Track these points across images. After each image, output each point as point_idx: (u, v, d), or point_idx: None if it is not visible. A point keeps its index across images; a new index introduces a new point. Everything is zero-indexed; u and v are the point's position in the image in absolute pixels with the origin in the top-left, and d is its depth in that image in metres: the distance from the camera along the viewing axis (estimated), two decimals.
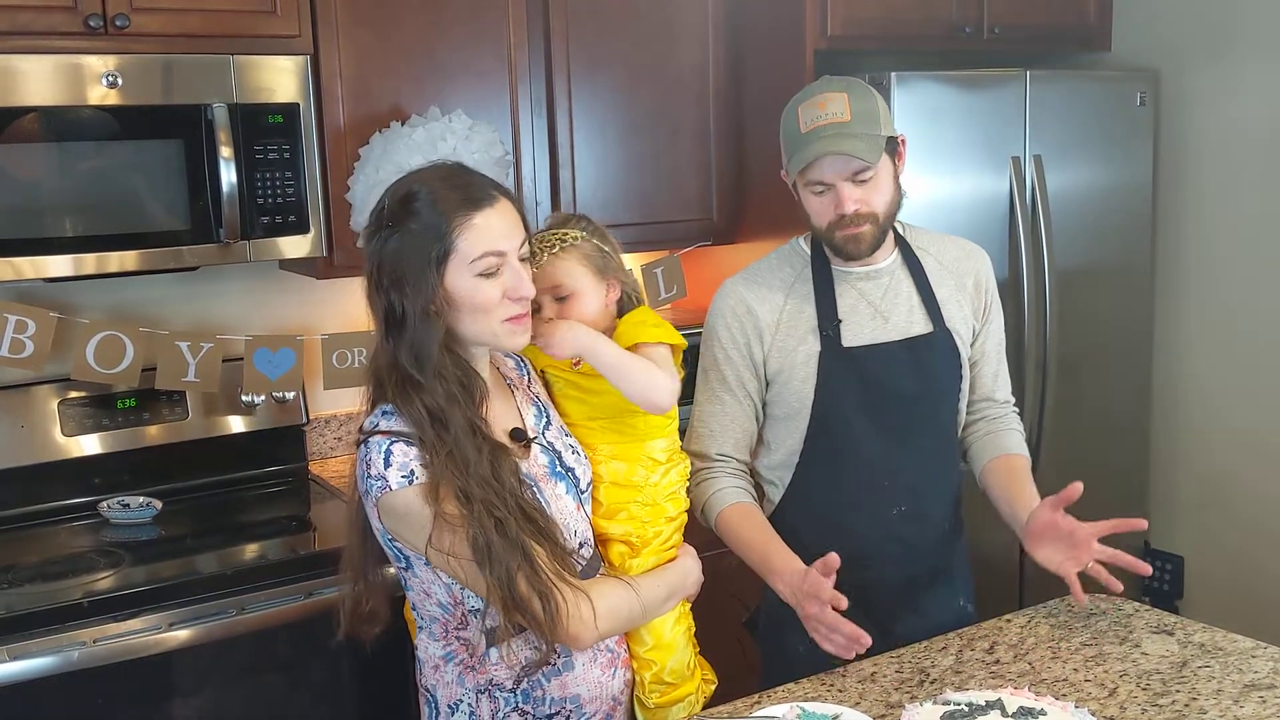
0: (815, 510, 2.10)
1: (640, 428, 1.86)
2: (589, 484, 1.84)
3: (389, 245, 1.65)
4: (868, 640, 1.83)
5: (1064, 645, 1.91)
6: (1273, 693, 1.73)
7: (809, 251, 2.12)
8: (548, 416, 1.83)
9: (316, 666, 2.46)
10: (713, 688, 1.97)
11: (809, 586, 1.87)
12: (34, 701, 2.20)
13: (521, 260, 1.70)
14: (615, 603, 1.73)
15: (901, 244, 2.14)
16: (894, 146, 2.02)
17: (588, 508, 1.83)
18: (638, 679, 1.88)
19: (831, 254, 2.08)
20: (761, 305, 2.09)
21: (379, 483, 1.63)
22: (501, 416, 1.76)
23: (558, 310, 1.83)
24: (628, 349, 1.82)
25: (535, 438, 1.78)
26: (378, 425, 1.66)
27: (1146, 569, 1.95)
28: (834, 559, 1.84)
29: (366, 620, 1.79)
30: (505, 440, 1.73)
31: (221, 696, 2.40)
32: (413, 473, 1.63)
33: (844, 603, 1.83)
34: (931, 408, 2.13)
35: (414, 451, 1.63)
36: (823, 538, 2.04)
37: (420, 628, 1.79)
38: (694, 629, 1.95)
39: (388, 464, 1.62)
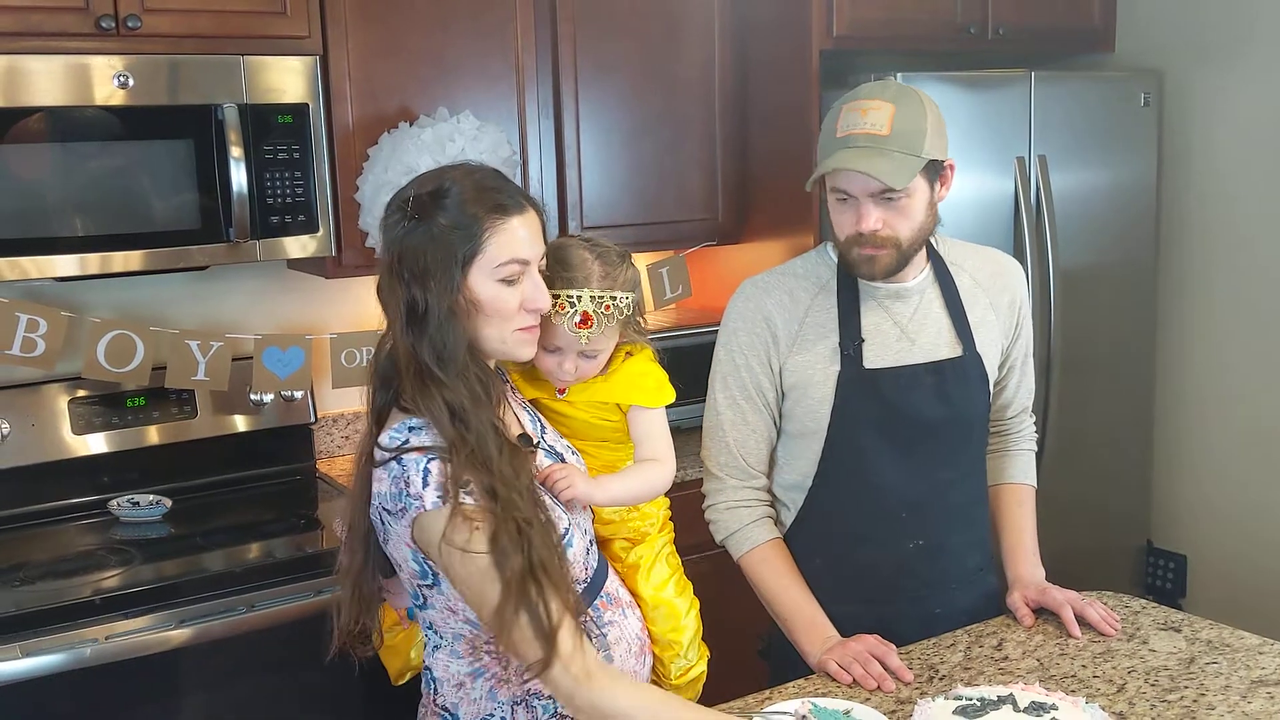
0: (827, 539, 2.01)
1: (617, 450, 1.88)
2: None
3: (413, 236, 1.61)
4: (908, 676, 1.81)
5: (1072, 642, 1.92)
6: None
7: (837, 262, 2.00)
8: (541, 422, 1.83)
9: (326, 664, 2.47)
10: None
11: (872, 648, 1.83)
12: (46, 698, 2.21)
13: (541, 272, 1.68)
14: (622, 704, 1.57)
15: (935, 259, 2.02)
16: (936, 170, 1.90)
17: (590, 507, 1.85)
18: (658, 661, 1.91)
19: (849, 269, 1.97)
20: (780, 314, 1.98)
21: (417, 502, 1.57)
22: (506, 423, 1.73)
23: (579, 365, 1.80)
24: (626, 405, 1.84)
25: (538, 442, 1.77)
26: (409, 440, 1.59)
27: (1076, 633, 1.94)
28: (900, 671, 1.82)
29: (359, 639, 1.74)
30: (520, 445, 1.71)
31: (231, 693, 2.41)
32: (448, 491, 1.58)
33: (908, 676, 1.81)
34: (957, 436, 2.02)
35: (450, 469, 1.58)
36: (834, 569, 2.00)
37: (437, 646, 1.73)
38: (698, 604, 1.97)
39: (426, 483, 1.56)
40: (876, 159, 1.83)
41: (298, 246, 2.68)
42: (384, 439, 1.62)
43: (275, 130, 2.62)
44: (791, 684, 1.83)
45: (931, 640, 1.96)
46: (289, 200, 2.65)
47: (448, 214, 1.61)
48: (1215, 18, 3.56)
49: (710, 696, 1.96)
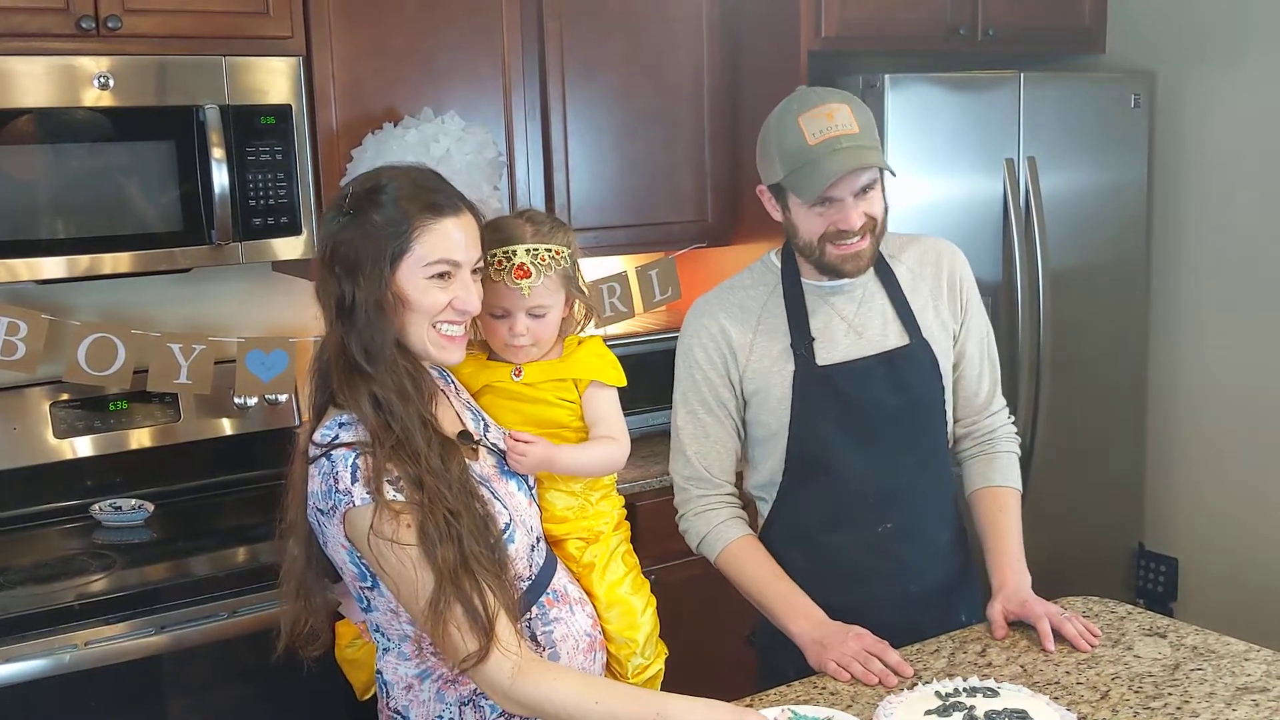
0: (801, 529, 2.06)
1: (571, 439, 1.90)
2: (535, 480, 1.86)
3: (346, 231, 1.64)
4: (908, 670, 1.83)
5: (1056, 647, 1.91)
6: (1265, 696, 1.73)
7: (780, 266, 2.08)
8: (485, 420, 1.84)
9: (309, 670, 2.45)
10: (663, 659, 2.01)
11: (870, 646, 1.86)
12: (25, 704, 2.20)
13: (474, 273, 1.69)
14: (558, 693, 1.57)
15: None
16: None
17: (535, 504, 1.85)
18: (613, 661, 1.91)
19: (817, 270, 2.01)
20: (735, 326, 2.04)
21: (345, 497, 1.59)
22: (445, 420, 1.74)
23: (530, 326, 1.83)
24: (584, 382, 1.88)
25: (480, 440, 1.77)
26: (338, 437, 1.61)
27: (1049, 646, 1.91)
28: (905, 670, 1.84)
29: (306, 640, 1.75)
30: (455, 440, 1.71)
31: (213, 700, 2.40)
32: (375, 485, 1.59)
33: (908, 671, 1.83)
34: (915, 421, 2.07)
35: (374, 462, 1.59)
36: (810, 556, 2.04)
37: (385, 649, 1.74)
38: (654, 602, 1.98)
39: (354, 479, 1.58)
40: (868, 155, 1.90)
41: (281, 249, 2.67)
42: (316, 435, 1.64)
43: (258, 131, 2.60)
44: (773, 690, 1.81)
45: (915, 646, 1.95)
46: (272, 202, 2.63)
47: (381, 210, 1.63)
48: (1206, 19, 3.55)
49: (700, 688, 1.96)
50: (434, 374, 1.80)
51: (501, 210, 2.75)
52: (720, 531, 2.05)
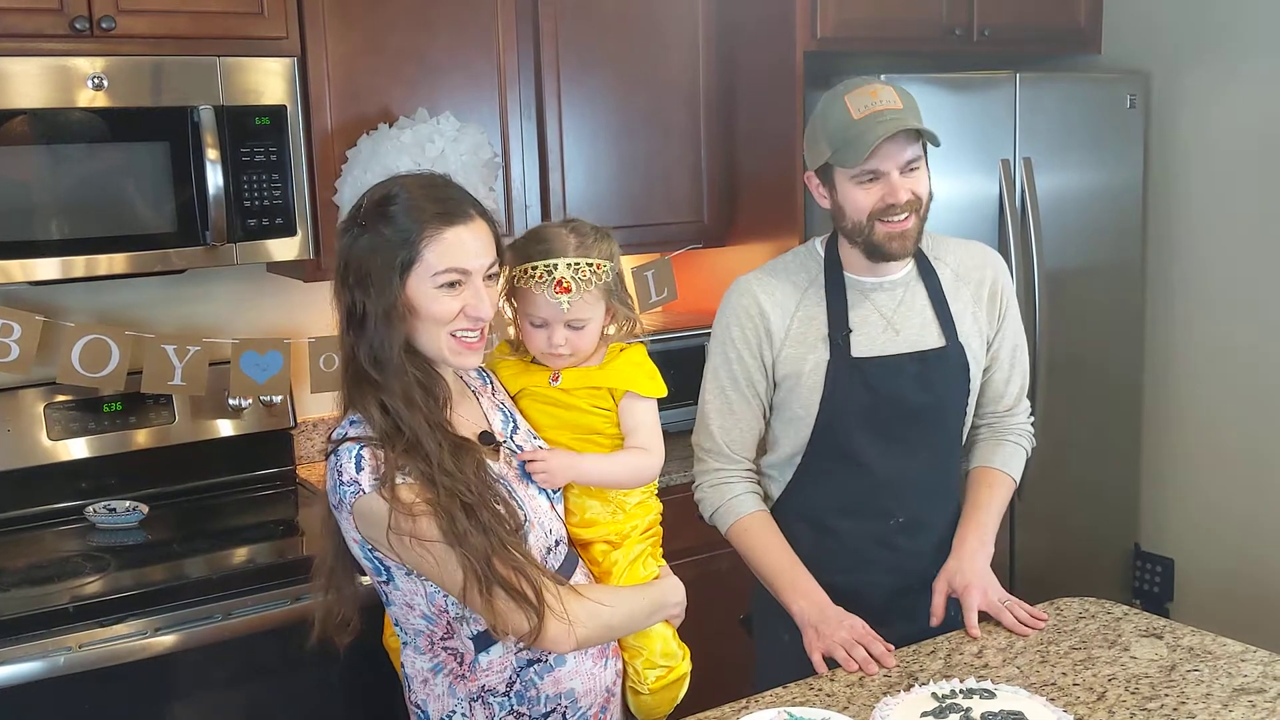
0: (812, 512, 2.11)
1: (606, 445, 1.88)
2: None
3: (359, 244, 1.67)
4: (891, 661, 1.87)
5: (1053, 649, 1.91)
6: (1261, 696, 1.73)
7: (824, 256, 2.10)
8: (514, 421, 1.84)
9: (303, 672, 2.45)
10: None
11: (860, 636, 1.90)
12: (20, 706, 2.19)
13: (488, 279, 1.70)
14: (593, 609, 1.73)
15: (918, 254, 2.10)
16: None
17: (559, 507, 1.84)
18: (630, 668, 1.90)
19: (864, 251, 2.02)
20: (774, 309, 2.07)
21: (352, 488, 1.63)
22: (468, 421, 1.76)
23: (569, 337, 1.82)
24: (620, 391, 1.86)
25: (504, 441, 1.78)
26: (346, 433, 1.66)
27: (974, 634, 1.97)
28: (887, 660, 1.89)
29: (338, 629, 1.78)
30: (472, 440, 1.73)
31: (208, 702, 2.39)
32: (383, 476, 1.62)
33: (890, 661, 1.87)
34: (937, 420, 2.11)
35: (384, 455, 1.64)
36: (816, 540, 2.09)
37: (405, 643, 1.78)
38: None
39: (359, 468, 1.62)
40: (911, 121, 1.93)
41: (276, 250, 2.66)
42: (333, 434, 1.69)
43: (253, 132, 2.60)
44: (769, 692, 1.81)
45: (912, 647, 1.95)
46: (267, 203, 2.62)
47: (391, 223, 1.66)
48: (1201, 20, 3.55)
49: (698, 688, 1.99)
50: (472, 373, 1.84)
51: (497, 211, 2.75)
52: (734, 505, 2.10)
